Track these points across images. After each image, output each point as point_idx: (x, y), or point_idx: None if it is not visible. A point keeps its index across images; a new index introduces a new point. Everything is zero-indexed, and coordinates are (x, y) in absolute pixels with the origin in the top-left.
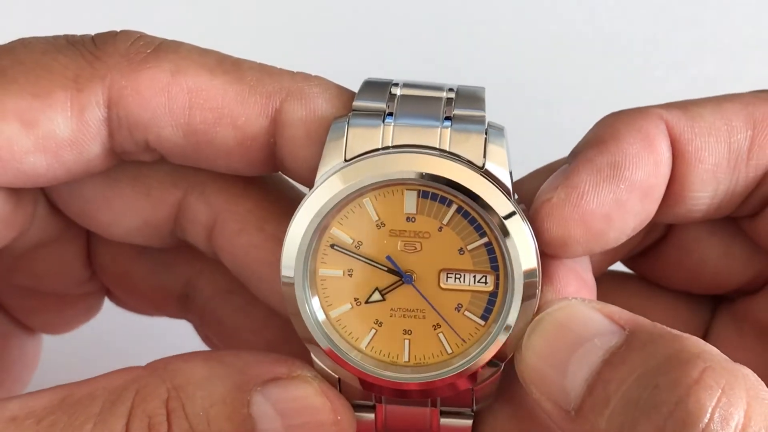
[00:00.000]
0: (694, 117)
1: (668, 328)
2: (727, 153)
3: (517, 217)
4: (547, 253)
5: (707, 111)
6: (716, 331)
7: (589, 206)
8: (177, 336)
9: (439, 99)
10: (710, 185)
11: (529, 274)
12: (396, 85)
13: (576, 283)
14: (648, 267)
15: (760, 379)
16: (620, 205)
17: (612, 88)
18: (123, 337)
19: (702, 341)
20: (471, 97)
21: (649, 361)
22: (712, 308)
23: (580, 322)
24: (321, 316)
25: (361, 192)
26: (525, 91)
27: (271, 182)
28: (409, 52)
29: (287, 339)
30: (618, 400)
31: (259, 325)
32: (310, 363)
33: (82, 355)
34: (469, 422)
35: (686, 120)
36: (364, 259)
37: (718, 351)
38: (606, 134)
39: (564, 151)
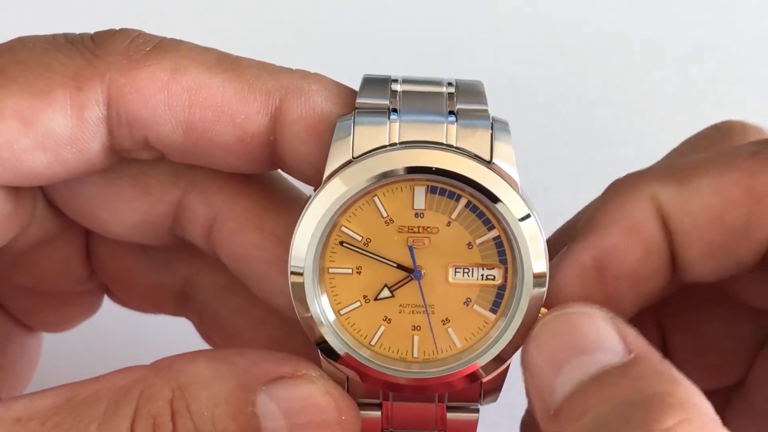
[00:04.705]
0: (689, 193)
1: (674, 370)
2: (722, 233)
3: (531, 218)
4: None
5: (704, 183)
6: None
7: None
8: (178, 334)
9: (441, 94)
10: (709, 262)
11: (539, 271)
12: (395, 81)
13: None
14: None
15: None
16: (611, 297)
17: (612, 88)
18: (123, 335)
19: (698, 394)
20: (472, 92)
21: (634, 393)
22: None
23: (591, 331)
24: (332, 316)
25: (370, 189)
26: (525, 91)
27: (270, 181)
28: (409, 51)
29: (287, 337)
30: (591, 417)
31: (259, 323)
32: (316, 360)
33: (83, 353)
34: (476, 416)
35: (679, 198)
36: (373, 256)
37: (711, 409)
38: (595, 222)
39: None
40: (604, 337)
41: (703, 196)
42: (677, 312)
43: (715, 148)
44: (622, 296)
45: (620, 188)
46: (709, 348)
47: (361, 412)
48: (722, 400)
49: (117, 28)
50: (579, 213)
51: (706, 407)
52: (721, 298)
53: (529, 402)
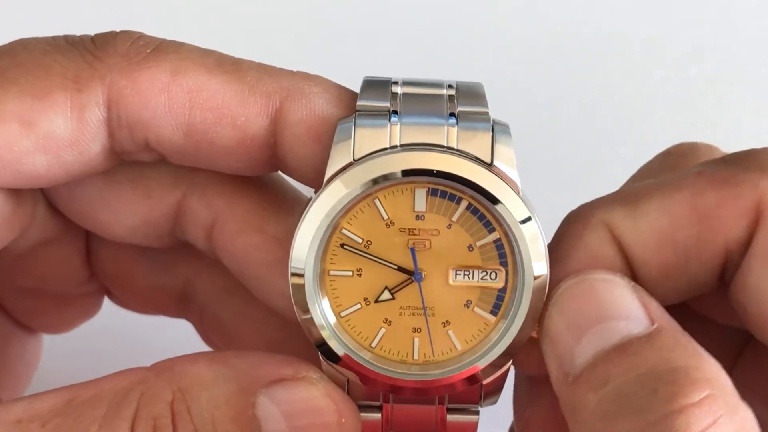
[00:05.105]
0: (638, 216)
1: (696, 343)
2: (674, 253)
3: (531, 221)
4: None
5: (653, 207)
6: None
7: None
8: (178, 336)
9: (441, 96)
10: (667, 282)
11: (539, 273)
12: (396, 83)
13: None
14: None
15: (757, 426)
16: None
17: (612, 88)
18: (124, 337)
19: (721, 369)
20: (472, 94)
21: (660, 364)
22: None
23: (614, 299)
24: (332, 318)
25: (371, 191)
26: (525, 92)
27: (271, 183)
28: (409, 52)
29: (287, 339)
30: (614, 386)
31: (259, 325)
32: (316, 363)
33: (84, 354)
34: (476, 418)
35: (628, 222)
36: (374, 258)
37: (732, 385)
38: (554, 255)
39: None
40: (628, 306)
41: (651, 218)
42: None
43: (666, 171)
44: None
45: (573, 218)
46: None
47: (362, 414)
48: None
49: (117, 30)
50: None
51: (729, 383)
52: (690, 318)
53: (547, 365)
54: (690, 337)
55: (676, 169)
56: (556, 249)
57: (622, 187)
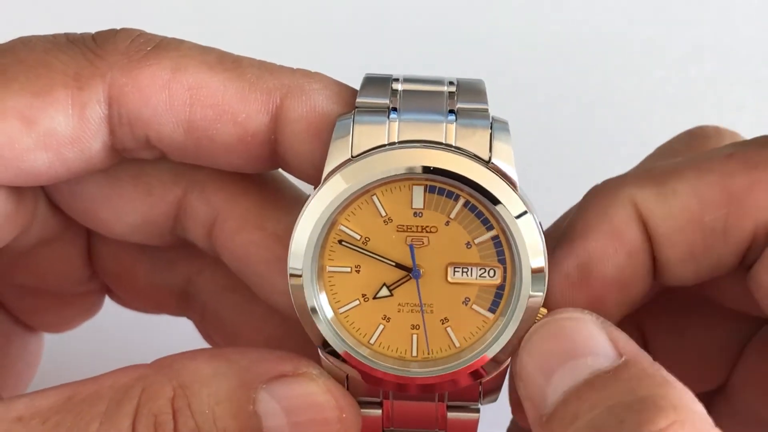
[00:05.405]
0: (667, 196)
1: (665, 373)
2: (701, 234)
3: (528, 216)
4: None
5: (682, 186)
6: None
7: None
8: (179, 333)
9: (441, 93)
10: (689, 264)
11: (537, 270)
12: (396, 80)
13: None
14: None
15: None
16: (596, 303)
17: (612, 88)
18: (124, 335)
19: (690, 396)
20: (472, 90)
21: (627, 395)
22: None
23: (581, 337)
24: (330, 314)
25: (369, 188)
26: (525, 91)
27: (271, 180)
28: (408, 51)
29: (287, 336)
30: (584, 421)
31: (259, 323)
32: (316, 359)
33: (85, 353)
34: (476, 416)
35: (657, 201)
36: (372, 255)
37: (703, 411)
38: (576, 228)
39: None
40: (595, 342)
41: (681, 199)
42: (659, 317)
43: (691, 152)
44: (606, 302)
45: (600, 193)
46: (690, 352)
47: (362, 410)
48: (705, 405)
49: (118, 28)
50: (560, 218)
51: (698, 409)
52: (702, 302)
53: (514, 410)
54: (659, 365)
55: (700, 149)
56: (578, 221)
57: (644, 163)
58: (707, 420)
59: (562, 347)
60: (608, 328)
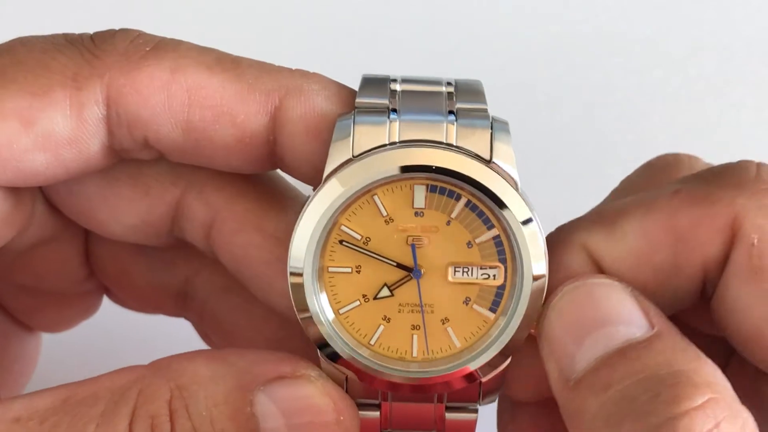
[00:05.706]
0: (617, 237)
1: (695, 347)
2: (653, 273)
3: (533, 224)
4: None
5: (629, 227)
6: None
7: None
8: (177, 334)
9: (440, 93)
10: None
11: (538, 277)
12: (395, 80)
13: None
14: None
15: (757, 430)
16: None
17: (612, 88)
18: (123, 335)
19: (719, 372)
20: (471, 91)
21: (661, 368)
22: None
23: (613, 304)
24: (331, 315)
25: (370, 187)
26: (525, 91)
27: (269, 181)
28: (409, 51)
29: (286, 337)
30: (617, 390)
31: (258, 324)
32: (315, 360)
33: (82, 353)
34: (474, 416)
35: (607, 243)
36: (373, 255)
37: (731, 387)
38: None
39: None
40: (627, 310)
41: (629, 240)
42: None
43: (651, 184)
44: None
45: (554, 242)
46: None
47: (360, 412)
48: None
49: (117, 29)
50: None
51: (729, 387)
52: (679, 327)
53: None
54: (689, 341)
55: (657, 182)
56: None
57: (602, 203)
58: (737, 398)
59: (594, 312)
60: (638, 297)
